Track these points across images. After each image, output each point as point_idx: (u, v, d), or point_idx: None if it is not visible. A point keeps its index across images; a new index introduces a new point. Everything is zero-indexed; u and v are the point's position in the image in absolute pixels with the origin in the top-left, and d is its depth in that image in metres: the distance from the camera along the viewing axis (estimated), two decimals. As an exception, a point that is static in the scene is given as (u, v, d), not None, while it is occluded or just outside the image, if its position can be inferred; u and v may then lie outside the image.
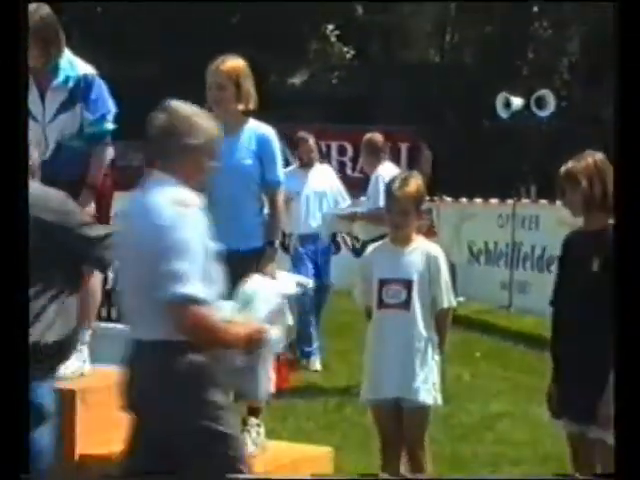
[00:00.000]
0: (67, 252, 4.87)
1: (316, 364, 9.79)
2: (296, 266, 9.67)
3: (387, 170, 9.27)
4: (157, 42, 20.07)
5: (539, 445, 7.35)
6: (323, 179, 10.24)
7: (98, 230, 5.01)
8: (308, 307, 9.38)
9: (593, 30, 22.17)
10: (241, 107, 5.77)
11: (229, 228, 5.77)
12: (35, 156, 5.12)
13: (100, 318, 8.40)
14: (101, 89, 5.88)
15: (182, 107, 4.26)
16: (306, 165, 10.24)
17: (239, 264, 5.66)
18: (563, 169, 5.25)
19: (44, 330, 4.73)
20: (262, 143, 5.77)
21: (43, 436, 4.81)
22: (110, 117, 5.85)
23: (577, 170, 5.18)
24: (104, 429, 5.34)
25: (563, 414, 5.32)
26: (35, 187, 4.76)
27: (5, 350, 3.81)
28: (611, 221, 5.29)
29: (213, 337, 4.15)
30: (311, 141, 10.35)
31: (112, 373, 4.77)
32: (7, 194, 3.91)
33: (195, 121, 4.24)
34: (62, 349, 4.91)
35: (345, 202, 10.30)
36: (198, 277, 4.07)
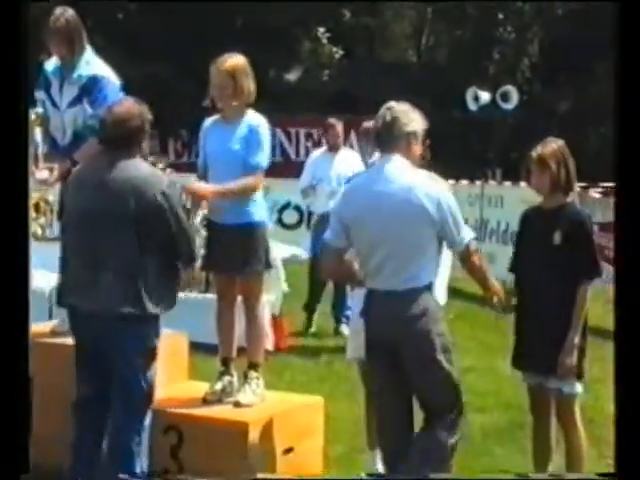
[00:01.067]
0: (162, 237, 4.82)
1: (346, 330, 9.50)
2: (315, 242, 9.32)
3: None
4: (166, 42, 19.95)
5: (501, 395, 7.36)
6: (348, 163, 9.70)
7: (190, 226, 5.02)
8: None
9: (550, 34, 22.12)
10: (240, 102, 5.74)
11: (222, 203, 5.78)
12: None
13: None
14: (109, 90, 5.77)
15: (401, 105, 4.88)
16: (333, 149, 9.92)
17: (228, 236, 5.69)
18: (533, 153, 5.23)
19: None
20: (252, 130, 5.72)
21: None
22: None
23: (546, 154, 5.18)
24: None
25: (524, 366, 5.34)
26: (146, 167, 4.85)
27: (5, 350, 3.65)
28: (569, 199, 5.31)
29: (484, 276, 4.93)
30: (339, 127, 9.94)
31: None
32: (7, 190, 3.77)
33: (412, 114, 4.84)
34: None
35: None
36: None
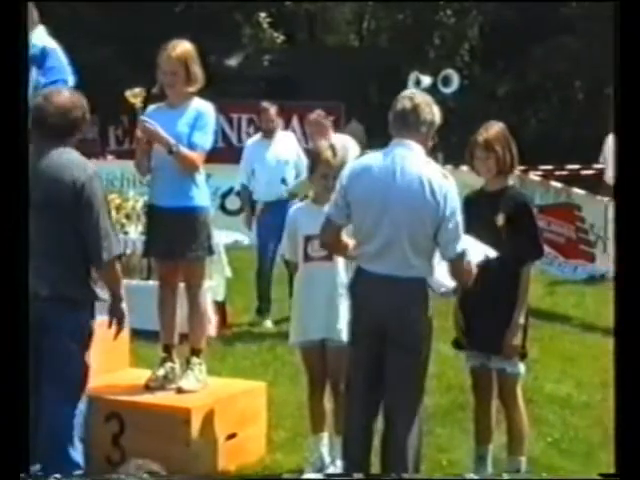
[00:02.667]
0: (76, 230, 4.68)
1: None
2: (262, 231, 9.30)
3: (338, 140, 9.11)
4: (106, 28, 19.75)
5: (443, 377, 7.40)
6: (285, 147, 9.59)
7: (107, 232, 4.74)
8: None
9: (489, 18, 22.27)
10: (191, 89, 5.72)
11: (164, 187, 5.75)
12: None
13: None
14: (58, 60, 5.72)
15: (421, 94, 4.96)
16: (268, 134, 9.63)
17: (170, 221, 5.66)
18: (479, 138, 5.25)
19: None
20: (198, 115, 5.73)
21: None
22: (64, 85, 5.54)
23: (492, 138, 5.22)
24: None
25: (468, 347, 5.38)
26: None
27: (5, 350, 3.60)
28: (511, 182, 5.36)
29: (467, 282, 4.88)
30: (272, 110, 9.63)
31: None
32: (7, 185, 3.73)
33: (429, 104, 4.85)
34: None
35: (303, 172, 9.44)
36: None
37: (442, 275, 4.94)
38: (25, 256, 3.96)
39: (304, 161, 9.88)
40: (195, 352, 5.83)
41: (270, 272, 9.34)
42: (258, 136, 9.93)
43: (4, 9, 3.70)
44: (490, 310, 5.19)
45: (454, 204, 4.72)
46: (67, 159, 4.71)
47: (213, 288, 8.48)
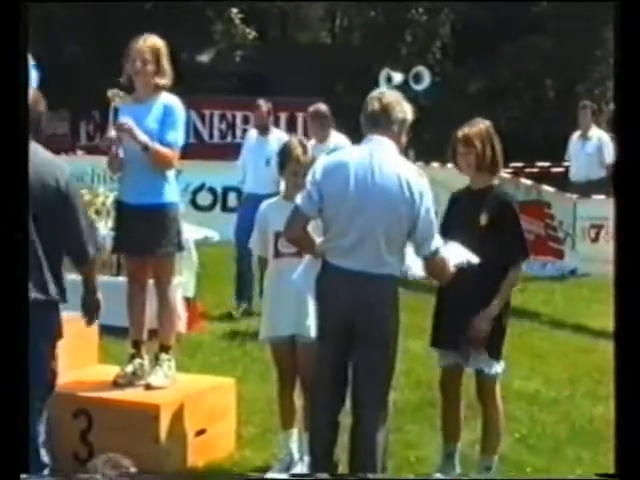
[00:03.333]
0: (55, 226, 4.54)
1: None
2: (242, 222, 9.17)
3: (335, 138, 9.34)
4: (77, 24, 19.63)
5: (413, 374, 7.43)
6: (278, 143, 9.77)
7: (91, 229, 4.74)
8: None
9: (461, 17, 22.33)
10: (160, 81, 5.71)
11: (134, 184, 5.73)
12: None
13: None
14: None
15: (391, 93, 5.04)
16: (261, 130, 9.83)
17: (139, 217, 5.64)
18: (459, 133, 5.26)
19: None
20: (167, 110, 5.71)
21: None
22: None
23: (472, 134, 5.22)
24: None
25: (444, 346, 5.36)
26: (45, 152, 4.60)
27: (5, 350, 3.56)
28: (496, 181, 5.36)
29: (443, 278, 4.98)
30: (264, 107, 9.82)
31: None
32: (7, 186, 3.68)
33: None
34: None
35: None
36: None
37: (412, 261, 4.97)
38: (25, 255, 3.90)
39: None
40: (164, 348, 5.82)
41: (250, 262, 9.32)
42: (254, 132, 10.06)
43: (4, 9, 3.68)
44: (470, 310, 5.18)
45: (429, 202, 4.76)
46: (42, 158, 4.61)
47: (183, 284, 8.46)
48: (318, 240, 4.94)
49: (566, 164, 13.49)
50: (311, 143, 8.83)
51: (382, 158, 4.78)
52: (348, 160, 4.82)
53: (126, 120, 5.60)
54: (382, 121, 4.84)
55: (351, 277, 4.75)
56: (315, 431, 4.97)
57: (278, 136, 9.71)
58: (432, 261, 4.82)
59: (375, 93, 5.00)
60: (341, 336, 4.79)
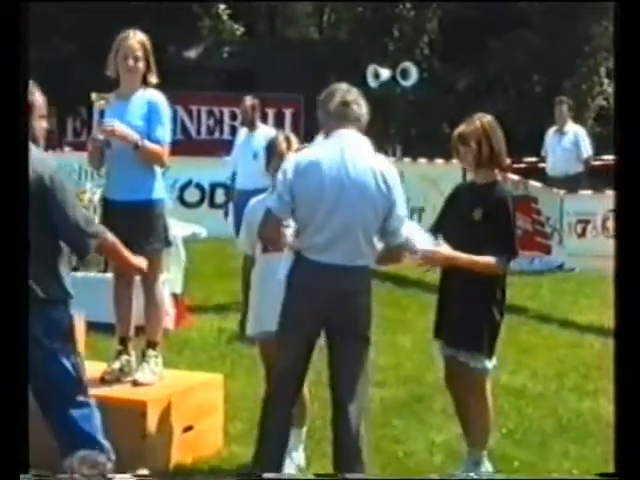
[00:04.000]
0: (53, 225, 4.50)
1: None
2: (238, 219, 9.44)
3: None
4: (64, 20, 19.55)
5: (401, 369, 7.44)
6: (265, 138, 9.90)
7: (86, 218, 4.67)
8: None
9: (449, 12, 22.32)
10: (151, 79, 5.70)
11: (120, 180, 5.72)
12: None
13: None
14: None
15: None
16: (248, 126, 10.02)
17: (126, 214, 5.62)
18: (456, 132, 5.31)
19: None
20: (152, 107, 5.69)
21: None
22: None
23: (467, 133, 5.23)
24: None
25: (442, 338, 5.38)
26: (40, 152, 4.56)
27: (5, 350, 3.55)
28: (498, 177, 5.37)
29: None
30: (248, 102, 10.00)
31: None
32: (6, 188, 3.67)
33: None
34: None
35: None
36: None
37: (419, 238, 5.09)
38: (25, 255, 3.88)
39: None
40: (151, 345, 5.81)
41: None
42: (244, 129, 10.19)
43: (4, 9, 3.66)
44: (461, 305, 5.19)
45: (401, 192, 4.86)
46: (33, 153, 4.50)
47: (170, 280, 8.45)
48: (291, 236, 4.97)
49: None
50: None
51: (354, 153, 4.81)
52: (320, 158, 4.82)
53: (113, 122, 5.57)
54: (350, 115, 4.87)
55: (327, 270, 4.78)
56: (272, 424, 4.96)
57: (265, 132, 9.75)
58: (400, 249, 4.94)
59: (338, 87, 5.00)
60: (313, 329, 4.84)
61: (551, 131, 13.12)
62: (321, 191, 4.75)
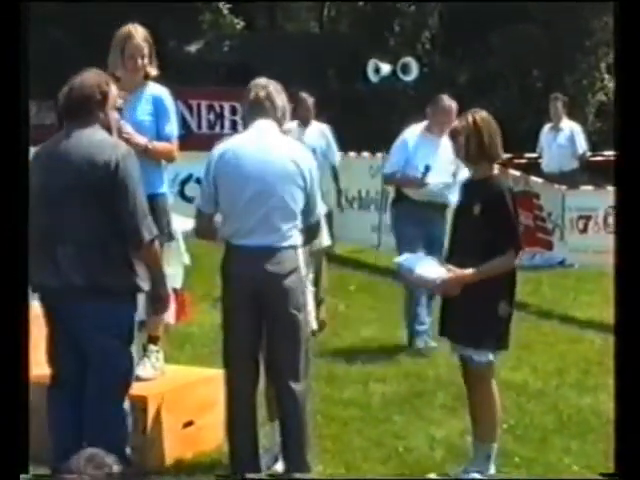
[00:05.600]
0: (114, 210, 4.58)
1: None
2: None
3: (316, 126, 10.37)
4: (66, 11, 19.53)
5: (402, 364, 7.45)
6: (316, 136, 10.39)
7: (144, 204, 4.73)
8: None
9: (449, 7, 22.30)
10: (150, 71, 5.69)
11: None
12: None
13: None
14: None
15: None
16: (304, 123, 10.48)
17: None
18: (449, 128, 5.46)
19: None
20: (157, 102, 5.69)
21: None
22: None
23: (457, 127, 5.32)
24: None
25: (446, 334, 5.40)
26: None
27: (5, 350, 3.54)
28: (496, 171, 5.39)
29: None
30: (310, 101, 10.51)
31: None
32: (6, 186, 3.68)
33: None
34: None
35: (334, 156, 11.00)
36: None
37: (427, 271, 5.25)
38: (25, 254, 3.88)
39: (334, 151, 11.10)
40: (152, 340, 5.81)
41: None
42: (294, 124, 10.35)
43: (4, 9, 3.65)
44: (462, 301, 5.19)
45: (316, 174, 5.15)
46: (98, 140, 4.65)
47: (171, 275, 8.43)
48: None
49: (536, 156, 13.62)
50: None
51: (270, 141, 5.09)
52: (238, 149, 5.10)
53: (128, 128, 5.53)
54: (267, 107, 5.13)
55: (256, 253, 4.98)
56: (238, 417, 5.12)
57: (319, 127, 10.30)
58: (315, 228, 5.18)
59: (258, 81, 5.28)
60: (252, 312, 5.01)
61: (546, 128, 13.15)
62: (241, 178, 5.01)
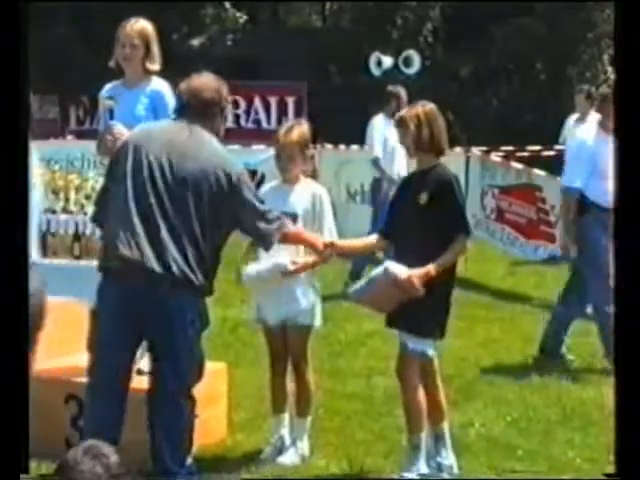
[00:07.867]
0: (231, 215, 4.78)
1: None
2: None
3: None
4: (68, 7, 19.51)
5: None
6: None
7: (267, 209, 4.91)
8: None
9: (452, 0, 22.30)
10: (150, 66, 5.69)
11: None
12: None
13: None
14: None
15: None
16: (391, 116, 10.42)
17: None
18: (396, 116, 5.39)
19: None
20: (156, 97, 5.68)
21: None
22: None
23: (407, 117, 5.27)
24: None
25: (392, 324, 5.35)
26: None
27: (5, 350, 3.48)
28: (441, 160, 5.37)
29: None
30: (402, 94, 10.55)
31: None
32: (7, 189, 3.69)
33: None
34: None
35: None
36: None
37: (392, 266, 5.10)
38: (25, 254, 3.87)
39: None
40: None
41: None
42: (381, 116, 10.75)
43: (4, 9, 3.65)
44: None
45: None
46: (220, 149, 4.83)
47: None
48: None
49: (558, 147, 13.46)
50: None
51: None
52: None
53: (120, 129, 5.51)
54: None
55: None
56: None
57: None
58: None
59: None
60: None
61: (571, 119, 12.97)
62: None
